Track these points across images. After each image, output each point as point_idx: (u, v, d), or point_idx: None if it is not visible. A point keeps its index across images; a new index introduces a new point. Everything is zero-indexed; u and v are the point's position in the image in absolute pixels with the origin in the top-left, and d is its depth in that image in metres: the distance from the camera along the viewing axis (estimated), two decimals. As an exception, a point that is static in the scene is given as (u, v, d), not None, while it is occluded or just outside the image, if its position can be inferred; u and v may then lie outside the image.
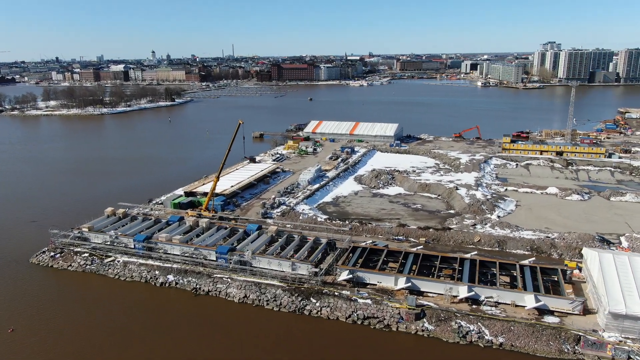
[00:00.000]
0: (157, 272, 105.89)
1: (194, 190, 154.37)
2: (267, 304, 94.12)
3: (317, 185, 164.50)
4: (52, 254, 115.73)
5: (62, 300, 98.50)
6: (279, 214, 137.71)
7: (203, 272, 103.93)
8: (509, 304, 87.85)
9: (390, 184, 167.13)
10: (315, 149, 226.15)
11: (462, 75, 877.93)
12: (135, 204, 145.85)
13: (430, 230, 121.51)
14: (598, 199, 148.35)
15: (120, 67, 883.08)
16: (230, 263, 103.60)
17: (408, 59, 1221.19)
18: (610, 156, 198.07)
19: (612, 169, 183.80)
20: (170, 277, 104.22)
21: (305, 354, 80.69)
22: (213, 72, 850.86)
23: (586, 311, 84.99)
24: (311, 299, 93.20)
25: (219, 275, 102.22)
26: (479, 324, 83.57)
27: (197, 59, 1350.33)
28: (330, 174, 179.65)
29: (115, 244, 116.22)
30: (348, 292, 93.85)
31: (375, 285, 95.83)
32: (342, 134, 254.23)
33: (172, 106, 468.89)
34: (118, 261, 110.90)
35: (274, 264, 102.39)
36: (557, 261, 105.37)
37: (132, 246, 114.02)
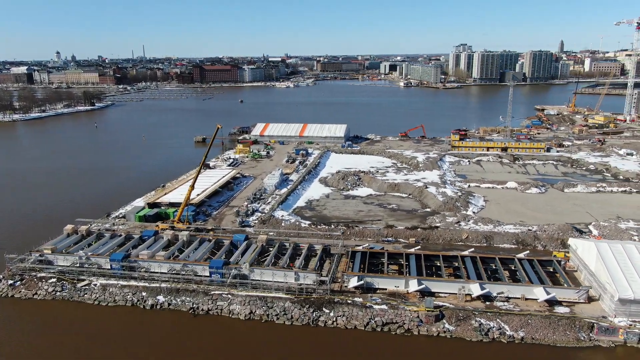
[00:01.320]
0: (144, 294, 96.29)
1: (157, 201, 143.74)
2: (278, 319, 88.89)
3: (285, 190, 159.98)
4: (10, 281, 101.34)
5: (37, 334, 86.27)
6: (256, 222, 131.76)
7: (198, 289, 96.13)
8: (519, 298, 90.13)
9: (358, 185, 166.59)
10: (268, 152, 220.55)
11: (382, 76, 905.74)
12: (91, 219, 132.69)
13: (418, 229, 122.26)
14: (553, 191, 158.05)
15: (23, 69, 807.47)
16: (227, 278, 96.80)
17: (326, 60, 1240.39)
18: (549, 150, 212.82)
19: (555, 162, 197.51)
20: (161, 298, 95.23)
21: (334, 368, 77.05)
22: (129, 74, 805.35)
23: (589, 299, 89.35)
24: (323, 309, 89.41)
25: (217, 292, 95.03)
26: (497, 320, 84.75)
27: (107, 60, 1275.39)
28: (293, 177, 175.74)
29: (87, 266, 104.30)
30: (360, 299, 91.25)
31: (385, 290, 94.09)
32: (291, 136, 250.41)
33: (92, 111, 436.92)
34: (94, 284, 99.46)
35: (274, 275, 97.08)
36: (543, 252, 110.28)
37: (109, 267, 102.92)
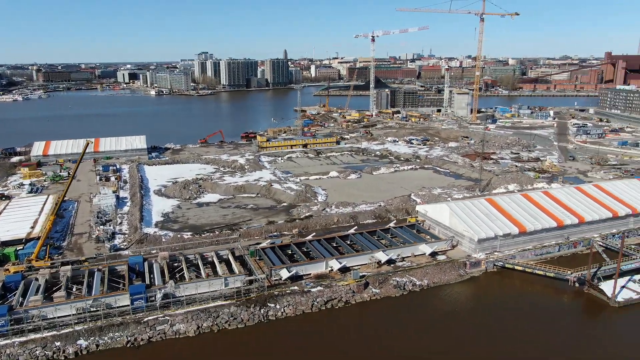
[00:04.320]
0: (57, 344, 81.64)
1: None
2: (229, 325, 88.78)
3: (127, 208, 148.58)
4: None
5: None
6: (125, 244, 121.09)
7: (125, 321, 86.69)
8: (409, 256, 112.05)
9: (202, 192, 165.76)
10: (69, 173, 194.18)
11: (124, 85, 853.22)
12: None
13: (296, 221, 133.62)
14: (366, 175, 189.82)
15: None
16: (155, 301, 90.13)
17: (43, 69, 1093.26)
18: (338, 143, 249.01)
19: (349, 152, 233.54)
20: (83, 343, 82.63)
21: (303, 351, 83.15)
22: None
23: (453, 246, 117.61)
24: (269, 304, 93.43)
25: (150, 318, 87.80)
26: (407, 276, 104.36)
27: None
28: (125, 195, 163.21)
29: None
30: (296, 287, 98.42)
31: (310, 274, 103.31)
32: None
33: None
34: (-22, 352, 78.77)
35: (204, 286, 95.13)
36: (398, 220, 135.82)
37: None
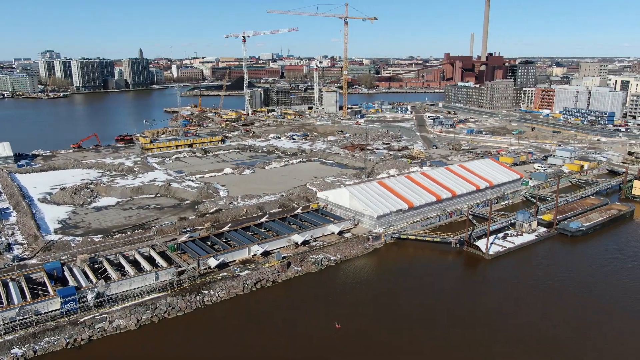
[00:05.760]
0: (-11, 356, 78.11)
1: None
2: (169, 315, 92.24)
3: (15, 218, 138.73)
4: None
5: None
6: (27, 254, 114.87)
7: (60, 324, 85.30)
8: (320, 236, 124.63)
9: (96, 197, 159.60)
10: None
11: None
12: None
13: (207, 215, 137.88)
14: (259, 170, 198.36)
15: None
16: (89, 301, 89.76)
17: None
18: (224, 141, 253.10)
19: (237, 150, 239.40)
20: (17, 351, 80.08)
21: (245, 328, 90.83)
22: None
23: (355, 225, 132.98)
24: (202, 291, 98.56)
25: (86, 318, 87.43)
26: (322, 253, 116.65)
27: None
28: (4, 205, 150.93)
29: None
30: (226, 273, 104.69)
31: (235, 260, 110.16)
32: None
33: None
34: None
35: (137, 282, 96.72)
36: (303, 207, 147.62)
37: None
